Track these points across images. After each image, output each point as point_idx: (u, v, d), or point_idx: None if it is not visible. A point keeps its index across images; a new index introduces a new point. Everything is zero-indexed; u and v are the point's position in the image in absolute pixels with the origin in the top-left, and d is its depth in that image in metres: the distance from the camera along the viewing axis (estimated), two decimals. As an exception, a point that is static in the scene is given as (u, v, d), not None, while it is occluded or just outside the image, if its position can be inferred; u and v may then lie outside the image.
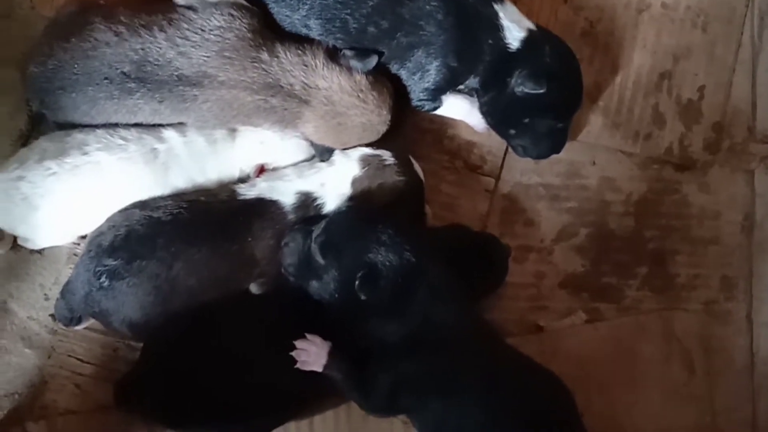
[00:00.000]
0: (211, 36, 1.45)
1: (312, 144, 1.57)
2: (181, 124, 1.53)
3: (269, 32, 1.50)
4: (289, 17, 1.53)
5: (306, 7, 1.51)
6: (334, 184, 1.54)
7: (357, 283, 1.34)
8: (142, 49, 1.43)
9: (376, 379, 1.38)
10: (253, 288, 1.51)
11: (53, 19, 1.51)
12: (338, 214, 1.46)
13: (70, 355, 1.58)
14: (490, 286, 1.68)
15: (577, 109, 1.64)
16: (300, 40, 1.52)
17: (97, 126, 1.50)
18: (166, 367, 1.43)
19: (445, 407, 1.39)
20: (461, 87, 1.62)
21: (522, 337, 1.71)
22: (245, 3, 1.50)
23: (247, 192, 1.53)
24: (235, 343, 1.43)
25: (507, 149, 1.75)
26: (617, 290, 1.80)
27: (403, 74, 1.57)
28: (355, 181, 1.54)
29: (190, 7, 1.48)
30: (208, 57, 1.44)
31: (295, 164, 1.61)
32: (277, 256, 1.48)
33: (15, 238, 1.57)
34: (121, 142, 1.48)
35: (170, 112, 1.49)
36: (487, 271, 1.64)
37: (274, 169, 1.61)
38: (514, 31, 1.55)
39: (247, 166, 1.59)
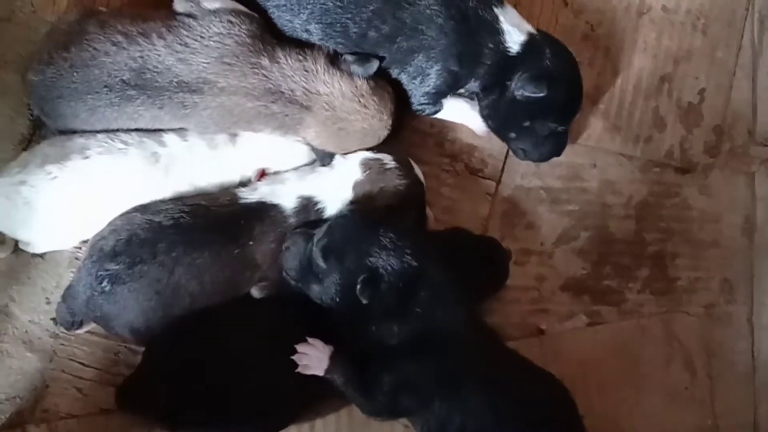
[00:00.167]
0: (211, 42, 1.45)
1: (313, 149, 1.57)
2: (182, 128, 1.53)
3: (269, 37, 1.50)
4: (289, 22, 1.53)
5: (307, 12, 1.51)
6: (336, 188, 1.54)
7: (358, 287, 1.34)
8: (141, 57, 1.43)
9: (378, 382, 1.38)
10: (255, 292, 1.51)
11: (53, 27, 1.51)
12: (339, 218, 1.46)
13: (71, 359, 1.59)
14: (491, 289, 1.68)
15: (578, 112, 1.64)
16: (301, 45, 1.52)
17: (97, 130, 1.50)
18: (168, 371, 1.43)
19: (447, 410, 1.39)
20: (462, 91, 1.62)
21: (523, 340, 1.71)
22: (244, 9, 1.50)
23: (249, 196, 1.53)
24: (236, 347, 1.43)
25: (508, 152, 1.75)
26: (618, 293, 1.80)
27: (404, 78, 1.58)
28: (356, 185, 1.54)
29: (189, 15, 1.48)
30: (208, 63, 1.45)
31: (296, 168, 1.61)
32: (278, 260, 1.48)
33: (17, 242, 1.57)
34: (122, 146, 1.49)
35: (170, 118, 1.49)
36: (488, 274, 1.64)
37: (276, 173, 1.61)
38: (515, 34, 1.55)
39: (249, 170, 1.59)
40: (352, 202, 1.53)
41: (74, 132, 1.51)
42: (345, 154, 1.58)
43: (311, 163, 1.62)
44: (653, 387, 1.76)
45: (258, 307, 1.51)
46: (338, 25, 1.52)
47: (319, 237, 1.41)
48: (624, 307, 1.80)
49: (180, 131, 1.54)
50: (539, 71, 1.53)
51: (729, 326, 1.84)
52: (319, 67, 1.50)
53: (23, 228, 1.51)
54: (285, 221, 1.51)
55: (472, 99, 1.65)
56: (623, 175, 1.82)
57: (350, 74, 1.52)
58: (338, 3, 1.50)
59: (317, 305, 1.44)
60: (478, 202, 1.76)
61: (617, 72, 1.82)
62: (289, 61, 1.48)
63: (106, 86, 1.44)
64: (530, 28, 1.58)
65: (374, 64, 1.52)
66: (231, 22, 1.46)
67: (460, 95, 1.65)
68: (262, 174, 1.60)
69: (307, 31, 1.53)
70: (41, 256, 1.60)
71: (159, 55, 1.44)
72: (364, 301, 1.34)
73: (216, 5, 1.49)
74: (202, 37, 1.45)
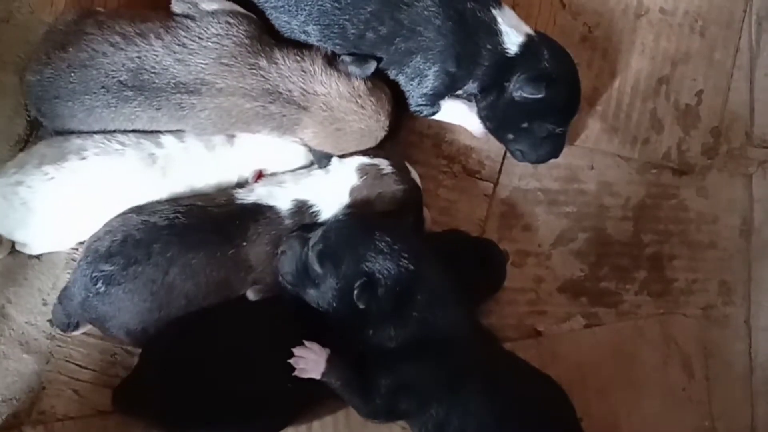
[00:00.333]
0: (209, 43, 1.45)
1: (310, 150, 1.57)
2: (179, 129, 1.53)
3: (267, 38, 1.51)
4: (287, 23, 1.53)
5: (304, 13, 1.51)
6: (331, 192, 1.54)
7: (356, 292, 1.33)
8: (139, 57, 1.43)
9: (375, 385, 1.38)
10: (250, 294, 1.50)
11: (51, 27, 1.50)
12: (335, 222, 1.46)
13: (68, 361, 1.58)
14: (489, 291, 1.68)
15: (576, 113, 1.64)
16: (298, 46, 1.52)
17: (95, 131, 1.50)
18: (165, 373, 1.43)
19: (445, 412, 1.39)
20: (460, 92, 1.62)
21: (521, 342, 1.71)
22: (242, 10, 1.50)
23: (245, 197, 1.53)
24: (233, 349, 1.43)
25: (505, 154, 1.75)
26: (616, 295, 1.80)
27: (402, 80, 1.58)
28: (353, 191, 1.53)
29: (187, 16, 1.48)
30: (206, 64, 1.45)
31: (293, 170, 1.61)
32: (273, 262, 1.48)
33: (13, 243, 1.56)
34: (119, 147, 1.49)
35: (168, 119, 1.49)
36: (486, 276, 1.64)
37: (273, 175, 1.60)
38: (513, 36, 1.55)
39: (246, 172, 1.58)
40: (349, 207, 1.53)
41: (71, 133, 1.51)
42: (342, 156, 1.58)
43: (309, 165, 1.62)
44: (651, 389, 1.76)
45: (255, 310, 1.50)
46: (336, 26, 1.51)
47: (315, 241, 1.41)
48: (621, 309, 1.80)
49: (177, 133, 1.53)
50: (537, 72, 1.53)
51: (726, 328, 1.84)
52: (316, 68, 1.50)
53: (20, 229, 1.50)
54: (281, 223, 1.51)
55: (469, 100, 1.65)
56: (621, 176, 1.83)
57: (348, 75, 1.52)
58: (336, 4, 1.50)
59: (314, 308, 1.44)
60: (476, 203, 1.76)
61: (615, 74, 1.83)
62: (287, 62, 1.49)
63: (103, 87, 1.44)
64: (528, 30, 1.58)
65: (372, 65, 1.52)
66: (229, 23, 1.46)
67: (458, 96, 1.64)
68: (260, 175, 1.59)
69: (305, 32, 1.53)
70: (38, 257, 1.59)
71: (157, 56, 1.44)
72: (362, 306, 1.34)
73: (214, 6, 1.49)
74: (200, 38, 1.45)
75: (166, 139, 1.52)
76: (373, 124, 1.55)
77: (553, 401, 1.50)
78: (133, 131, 1.51)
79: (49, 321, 1.56)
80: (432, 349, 1.38)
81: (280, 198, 1.53)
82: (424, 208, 1.64)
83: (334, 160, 1.57)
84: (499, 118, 1.62)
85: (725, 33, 1.88)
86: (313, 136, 1.54)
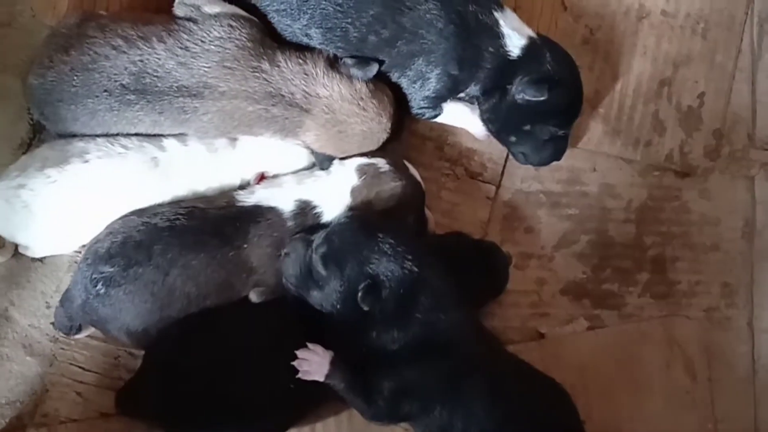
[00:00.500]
0: (212, 46, 1.45)
1: (312, 152, 1.57)
2: (181, 133, 1.53)
3: (270, 41, 1.51)
4: (290, 27, 1.53)
5: (307, 16, 1.51)
6: (333, 193, 1.54)
7: (360, 294, 1.34)
8: (141, 61, 1.44)
9: (378, 387, 1.38)
10: (253, 296, 1.50)
11: (53, 30, 1.51)
12: (339, 224, 1.45)
13: (71, 363, 1.58)
14: (491, 293, 1.68)
15: (578, 116, 1.64)
16: (300, 49, 1.52)
17: (97, 134, 1.50)
18: (168, 375, 1.43)
19: (448, 415, 1.39)
20: (462, 95, 1.62)
21: (523, 344, 1.71)
22: (245, 13, 1.51)
23: (246, 199, 1.53)
24: (236, 351, 1.43)
25: (508, 156, 1.75)
26: (618, 297, 1.80)
27: (404, 82, 1.58)
28: (353, 191, 1.53)
29: (189, 19, 1.49)
30: (208, 67, 1.45)
31: (295, 172, 1.61)
32: (276, 264, 1.48)
33: (16, 246, 1.56)
34: (122, 150, 1.49)
35: (170, 123, 1.49)
36: (488, 278, 1.64)
37: (274, 177, 1.60)
38: (515, 38, 1.56)
39: (248, 174, 1.59)
40: (350, 208, 1.53)
41: (74, 136, 1.51)
42: (343, 158, 1.58)
43: (310, 167, 1.62)
44: (653, 391, 1.76)
45: (258, 312, 1.50)
46: (338, 29, 1.52)
47: (319, 243, 1.41)
48: (624, 311, 1.79)
49: (180, 136, 1.53)
50: (540, 75, 1.53)
51: (729, 330, 1.84)
52: (318, 71, 1.50)
53: (22, 232, 1.51)
54: (283, 225, 1.51)
55: (471, 103, 1.65)
56: (623, 178, 1.82)
57: (350, 78, 1.52)
58: (338, 7, 1.50)
59: (317, 310, 1.44)
60: (478, 206, 1.76)
61: (617, 76, 1.83)
62: (289, 65, 1.49)
63: (105, 90, 1.44)
64: (530, 32, 1.58)
65: (374, 68, 1.53)
66: (231, 27, 1.46)
67: (460, 99, 1.65)
68: (262, 177, 1.60)
69: (307, 35, 1.53)
70: (41, 260, 1.60)
71: (159, 59, 1.44)
72: (366, 308, 1.34)
73: (216, 9, 1.49)
74: (202, 41, 1.45)
75: (169, 143, 1.52)
76: (375, 126, 1.55)
77: (556, 404, 1.50)
78: (136, 134, 1.51)
79: (53, 324, 1.56)
80: (435, 351, 1.38)
81: (282, 199, 1.53)
82: (427, 211, 1.65)
83: (335, 162, 1.58)
84: (502, 121, 1.62)
85: (727, 35, 1.88)
86: (316, 138, 1.54)
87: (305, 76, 1.50)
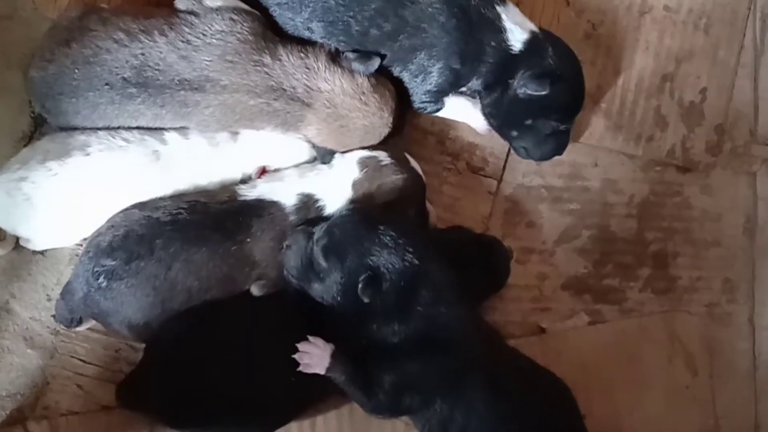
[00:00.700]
0: (213, 40, 1.45)
1: (314, 146, 1.57)
2: (183, 126, 1.53)
3: (271, 35, 1.51)
4: (291, 20, 1.53)
5: (309, 10, 1.51)
6: (335, 186, 1.54)
7: (360, 286, 1.34)
8: (143, 54, 1.43)
9: (379, 380, 1.38)
10: (254, 290, 1.50)
11: (55, 24, 1.51)
12: (340, 216, 1.45)
13: (72, 356, 1.58)
14: (492, 288, 1.68)
15: (580, 111, 1.64)
16: (302, 43, 1.52)
17: (99, 127, 1.50)
18: (169, 368, 1.43)
19: (448, 408, 1.39)
20: (463, 89, 1.62)
21: (524, 339, 1.71)
22: (246, 7, 1.51)
23: (248, 193, 1.53)
24: (237, 344, 1.43)
25: (509, 151, 1.75)
26: (619, 292, 1.80)
27: (406, 77, 1.58)
28: (355, 184, 1.53)
29: (191, 12, 1.48)
30: (210, 61, 1.45)
31: (296, 165, 1.61)
32: (278, 258, 1.48)
33: (17, 238, 1.56)
34: (123, 143, 1.49)
35: (172, 116, 1.49)
36: (489, 273, 1.64)
37: (276, 171, 1.61)
38: (517, 33, 1.56)
39: (250, 168, 1.58)
40: (352, 201, 1.53)
41: (75, 129, 1.50)
42: (345, 152, 1.58)
43: (312, 161, 1.62)
44: (654, 386, 1.76)
45: (259, 305, 1.50)
46: (340, 23, 1.51)
47: (320, 236, 1.41)
48: (625, 306, 1.80)
49: (181, 129, 1.53)
50: (542, 69, 1.53)
51: (730, 326, 1.84)
52: (320, 65, 1.50)
53: (24, 225, 1.51)
54: (285, 219, 1.51)
55: (473, 97, 1.65)
56: (625, 174, 1.82)
57: (351, 72, 1.52)
58: (340, 1, 1.50)
59: (318, 303, 1.44)
60: (480, 200, 1.76)
61: (619, 71, 1.82)
62: (291, 59, 1.49)
63: (107, 84, 1.44)
64: (532, 27, 1.58)
65: (375, 62, 1.52)
66: (233, 20, 1.46)
67: (462, 93, 1.64)
68: (263, 171, 1.60)
69: (308, 29, 1.53)
70: (42, 253, 1.60)
71: (161, 53, 1.44)
72: (366, 301, 1.34)
73: (218, 3, 1.49)
74: (204, 34, 1.45)
75: (170, 136, 1.52)
76: (377, 121, 1.55)
77: (556, 398, 1.51)
78: (137, 128, 1.51)
79: (54, 316, 1.56)
80: (436, 345, 1.39)
81: (285, 193, 1.53)
82: (428, 204, 1.65)
83: (336, 155, 1.58)
84: (503, 115, 1.62)
85: (729, 31, 1.87)
86: (317, 133, 1.54)
87: (307, 70, 1.50)
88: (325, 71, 1.50)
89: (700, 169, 1.85)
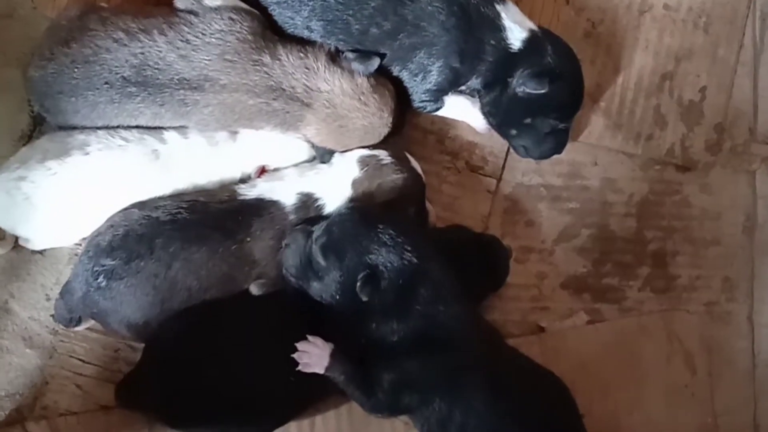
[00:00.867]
0: (212, 39, 1.45)
1: (313, 146, 1.57)
2: (182, 125, 1.53)
3: (271, 35, 1.51)
4: (291, 19, 1.53)
5: (308, 9, 1.51)
6: (335, 185, 1.54)
7: (358, 284, 1.34)
8: (142, 53, 1.43)
9: (378, 379, 1.38)
10: (253, 289, 1.50)
11: (54, 23, 1.50)
12: (339, 215, 1.45)
13: (71, 356, 1.58)
14: (492, 287, 1.68)
15: (579, 109, 1.64)
16: (302, 43, 1.52)
17: (98, 127, 1.50)
18: (168, 368, 1.43)
19: (447, 407, 1.39)
20: (463, 88, 1.62)
21: (523, 338, 1.71)
22: (246, 6, 1.50)
23: (248, 192, 1.53)
24: (236, 344, 1.43)
25: (508, 150, 1.75)
26: (619, 291, 1.80)
27: (405, 76, 1.57)
28: (354, 183, 1.53)
29: (190, 11, 1.48)
30: (209, 60, 1.45)
31: (296, 165, 1.61)
32: (277, 257, 1.48)
33: (16, 238, 1.56)
34: (122, 143, 1.48)
35: (171, 115, 1.49)
36: (489, 272, 1.64)
37: (275, 170, 1.60)
38: (516, 31, 1.55)
39: (249, 167, 1.58)
40: (351, 200, 1.53)
41: (75, 128, 1.50)
42: (345, 151, 1.58)
43: (311, 160, 1.62)
44: (653, 385, 1.76)
45: (258, 305, 1.50)
46: (340, 22, 1.51)
47: (318, 234, 1.41)
48: (624, 305, 1.80)
49: (180, 128, 1.53)
50: (541, 68, 1.53)
51: (729, 324, 1.84)
52: (320, 65, 1.50)
53: (23, 224, 1.50)
54: (284, 218, 1.51)
55: (473, 96, 1.65)
56: (624, 172, 1.82)
57: (351, 72, 1.52)
58: (339, 0, 1.49)
59: (317, 302, 1.44)
60: (479, 199, 1.76)
61: (618, 70, 1.82)
62: (291, 58, 1.48)
63: (106, 83, 1.44)
64: (532, 25, 1.58)
65: (375, 62, 1.52)
66: (232, 19, 1.46)
67: (461, 92, 1.64)
68: (262, 171, 1.59)
69: (308, 28, 1.53)
70: (41, 252, 1.59)
71: (160, 52, 1.44)
72: (364, 299, 1.34)
73: (217, 2, 1.49)
74: (203, 34, 1.45)
75: (170, 135, 1.52)
76: (377, 121, 1.55)
77: (555, 397, 1.50)
78: (137, 127, 1.51)
79: (53, 316, 1.56)
80: (435, 343, 1.39)
81: (284, 192, 1.53)
82: (428, 203, 1.65)
83: (336, 154, 1.58)
84: (502, 114, 1.61)
85: (729, 29, 1.87)
86: (316, 132, 1.54)
87: (306, 70, 1.50)
88: (324, 71, 1.50)
89: (699, 168, 1.85)
